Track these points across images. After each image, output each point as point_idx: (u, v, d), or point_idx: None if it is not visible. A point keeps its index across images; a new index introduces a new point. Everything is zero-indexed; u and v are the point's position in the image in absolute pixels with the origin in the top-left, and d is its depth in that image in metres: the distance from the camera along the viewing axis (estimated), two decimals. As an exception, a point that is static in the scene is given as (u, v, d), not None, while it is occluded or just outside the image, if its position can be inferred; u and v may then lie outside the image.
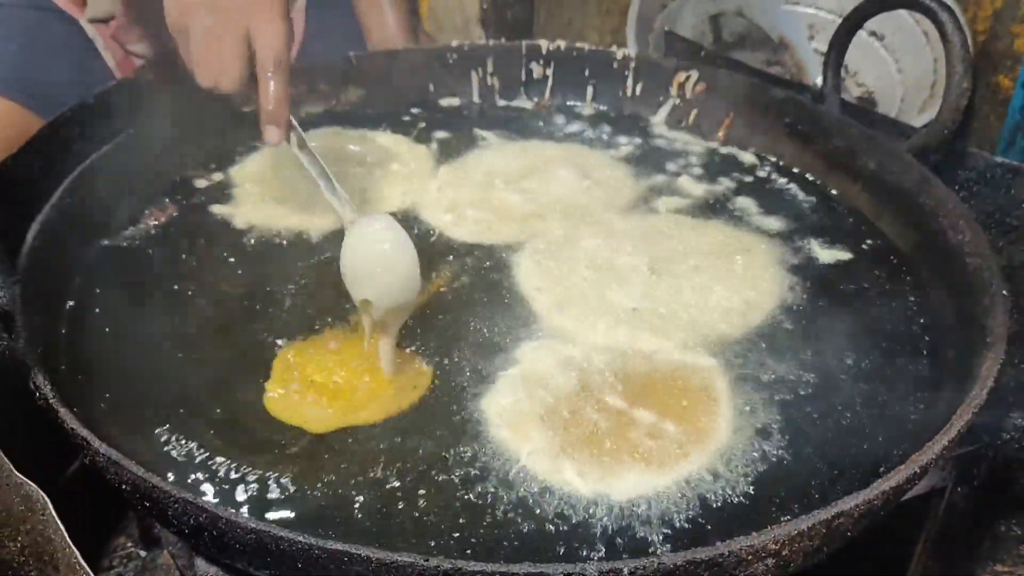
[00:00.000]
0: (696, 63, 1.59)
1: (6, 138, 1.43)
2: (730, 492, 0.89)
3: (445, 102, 1.64)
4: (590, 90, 1.64)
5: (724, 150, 1.52)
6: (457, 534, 0.84)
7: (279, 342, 1.06)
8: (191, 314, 1.12)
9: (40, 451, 0.90)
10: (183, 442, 0.94)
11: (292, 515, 0.86)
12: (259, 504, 0.87)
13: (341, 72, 1.59)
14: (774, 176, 1.44)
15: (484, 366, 1.04)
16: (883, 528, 0.89)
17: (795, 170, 1.45)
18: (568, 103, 1.65)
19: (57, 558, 0.81)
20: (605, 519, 0.86)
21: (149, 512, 0.82)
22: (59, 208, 1.14)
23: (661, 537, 0.84)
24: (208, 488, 0.88)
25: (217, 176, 1.40)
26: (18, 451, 0.85)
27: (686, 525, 0.86)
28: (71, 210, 1.16)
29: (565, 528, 0.85)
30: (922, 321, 1.13)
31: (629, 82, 1.62)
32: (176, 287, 1.16)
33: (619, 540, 0.84)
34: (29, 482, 0.81)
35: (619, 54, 1.61)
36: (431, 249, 1.23)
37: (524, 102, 1.65)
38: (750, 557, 0.72)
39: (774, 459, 0.93)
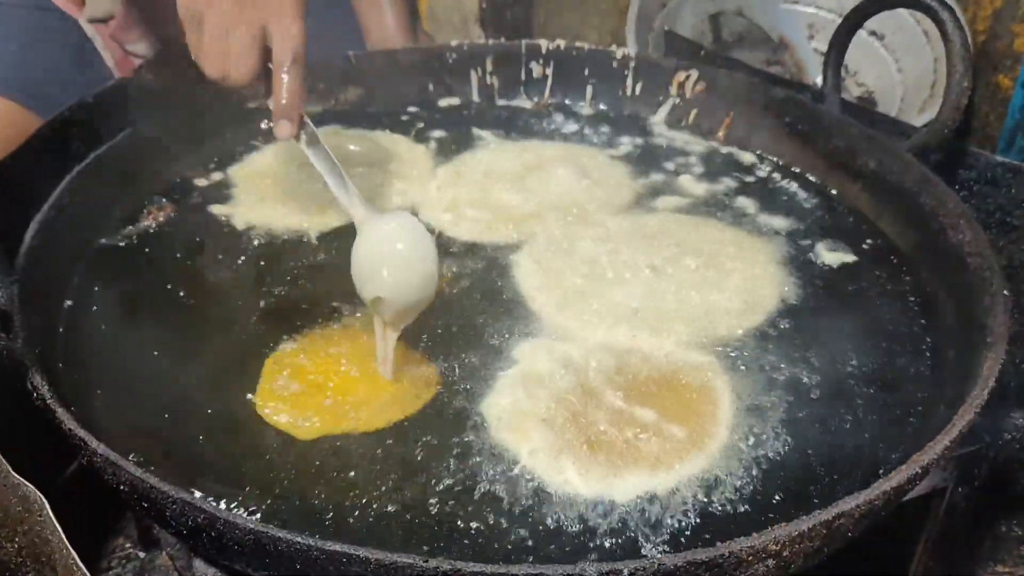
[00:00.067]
0: (696, 62, 1.58)
1: (5, 137, 1.43)
2: (730, 492, 0.89)
3: (444, 102, 1.64)
4: (590, 90, 1.64)
5: (724, 150, 1.51)
6: (456, 534, 0.84)
7: (278, 343, 1.06)
8: (189, 314, 1.11)
9: (38, 451, 0.89)
10: (181, 443, 0.93)
11: (287, 518, 0.85)
12: (256, 506, 0.87)
13: (340, 71, 1.59)
14: (774, 176, 1.44)
15: (483, 366, 1.03)
16: (884, 528, 0.89)
17: (795, 170, 1.45)
18: (568, 103, 1.65)
19: (54, 559, 0.81)
20: (605, 519, 0.86)
21: (147, 513, 0.82)
22: (58, 208, 1.14)
23: (661, 538, 0.84)
24: (204, 490, 0.88)
25: (216, 176, 1.39)
26: (16, 451, 0.85)
27: (686, 525, 0.85)
28: (70, 210, 1.16)
29: (565, 528, 0.85)
30: (922, 321, 1.12)
31: (629, 81, 1.62)
32: (174, 287, 1.15)
33: (619, 540, 0.84)
34: (26, 483, 0.81)
35: (619, 53, 1.61)
36: (430, 249, 1.23)
37: (524, 102, 1.65)
38: (750, 558, 0.71)
39: (774, 459, 0.93)
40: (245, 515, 0.84)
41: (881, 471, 0.88)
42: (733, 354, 1.06)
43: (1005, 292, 1.00)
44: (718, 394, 1.00)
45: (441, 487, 0.89)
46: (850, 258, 1.24)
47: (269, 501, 0.87)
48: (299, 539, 0.71)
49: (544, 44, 1.63)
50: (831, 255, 1.25)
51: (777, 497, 0.89)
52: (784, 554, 0.73)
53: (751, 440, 0.95)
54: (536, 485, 0.89)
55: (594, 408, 0.96)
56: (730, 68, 1.58)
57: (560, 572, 0.69)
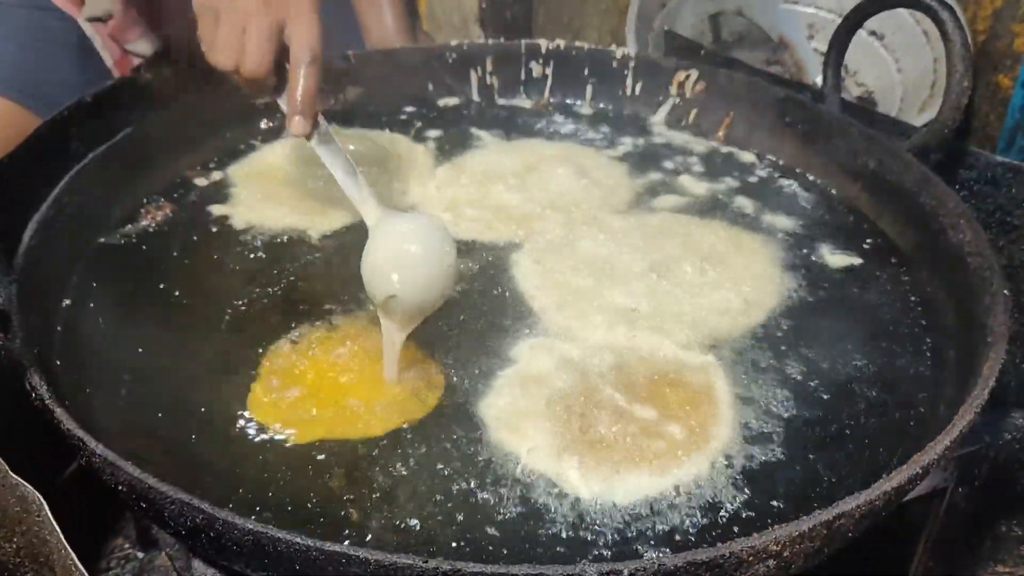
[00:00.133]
0: (696, 62, 1.58)
1: (3, 137, 1.43)
2: (730, 493, 0.89)
3: (444, 101, 1.64)
4: (589, 89, 1.63)
5: (724, 149, 1.51)
6: (455, 535, 0.84)
7: (277, 344, 1.06)
8: (188, 314, 1.11)
9: (37, 452, 0.89)
10: (179, 443, 0.93)
11: (284, 520, 0.85)
12: (253, 508, 0.86)
13: (340, 71, 1.59)
14: (774, 175, 1.44)
15: (483, 365, 1.03)
16: (884, 528, 0.89)
17: (795, 169, 1.45)
18: (567, 102, 1.64)
19: (53, 559, 0.81)
20: (605, 519, 0.85)
21: (146, 513, 0.82)
22: (56, 207, 1.14)
23: (661, 538, 0.84)
24: (203, 490, 0.88)
25: (216, 175, 1.39)
26: (14, 452, 0.84)
27: (686, 525, 0.85)
28: (68, 209, 1.16)
29: (564, 529, 0.85)
30: (923, 321, 1.12)
31: (628, 81, 1.61)
32: (173, 287, 1.15)
33: (619, 541, 0.84)
34: (24, 483, 0.81)
35: (618, 53, 1.61)
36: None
37: (523, 101, 1.65)
38: (751, 558, 0.71)
39: (774, 459, 0.93)
40: (243, 516, 0.83)
41: (881, 471, 0.88)
42: (733, 354, 1.06)
43: (1005, 292, 1.00)
44: (718, 394, 1.00)
45: (439, 488, 0.88)
46: (850, 258, 1.24)
47: (266, 503, 0.87)
48: (298, 539, 0.71)
49: (544, 44, 1.63)
50: (831, 255, 1.25)
51: (777, 497, 0.89)
52: (784, 554, 0.73)
53: (751, 440, 0.94)
54: (534, 485, 0.89)
55: (594, 408, 0.96)
56: (730, 68, 1.57)
57: (560, 572, 0.69)
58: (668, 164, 1.46)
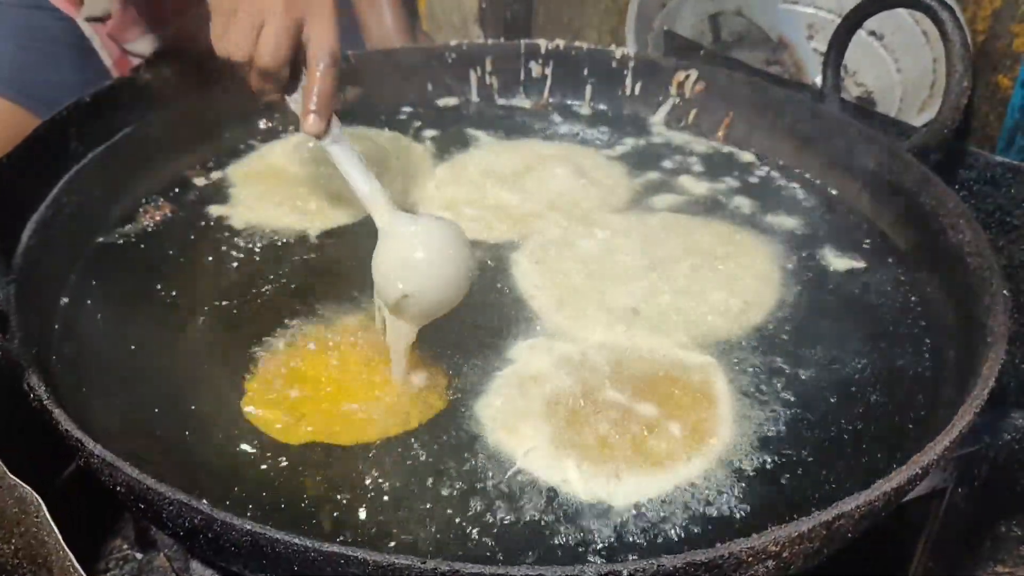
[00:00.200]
0: (695, 62, 1.58)
1: (2, 138, 1.43)
2: (729, 493, 0.88)
3: (443, 101, 1.64)
4: (589, 89, 1.63)
5: (723, 149, 1.51)
6: (453, 536, 0.84)
7: (276, 344, 1.06)
8: (187, 314, 1.11)
9: (36, 452, 0.89)
10: (178, 443, 0.93)
11: (281, 521, 0.85)
12: (251, 509, 0.86)
13: (339, 71, 1.58)
14: (773, 175, 1.44)
15: (481, 365, 1.03)
16: (884, 529, 0.89)
17: (795, 170, 1.44)
18: (567, 102, 1.64)
19: (51, 560, 0.81)
20: (603, 520, 0.85)
21: (144, 514, 0.82)
22: (55, 207, 1.14)
23: (660, 538, 0.84)
24: (202, 491, 0.88)
25: (215, 175, 1.39)
26: (13, 453, 0.84)
27: (685, 526, 0.85)
28: (67, 209, 1.15)
29: (563, 530, 0.84)
30: (922, 322, 1.12)
31: (628, 81, 1.61)
32: (172, 287, 1.15)
33: (617, 541, 0.83)
34: (22, 484, 0.81)
35: (618, 53, 1.61)
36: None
37: (523, 101, 1.65)
38: (750, 559, 0.71)
39: (774, 460, 0.92)
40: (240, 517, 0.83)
41: (881, 471, 0.88)
42: (732, 354, 1.06)
43: (1005, 292, 1.00)
44: (717, 394, 0.99)
45: (436, 488, 0.88)
46: (850, 258, 1.24)
47: (263, 503, 0.86)
48: (297, 540, 0.70)
49: (543, 44, 1.63)
50: (830, 255, 1.25)
51: (777, 498, 0.88)
52: (784, 555, 0.73)
53: (750, 440, 0.94)
54: (533, 486, 0.88)
55: (592, 408, 0.96)
56: (730, 68, 1.57)
57: (559, 573, 0.69)
58: (668, 164, 1.46)
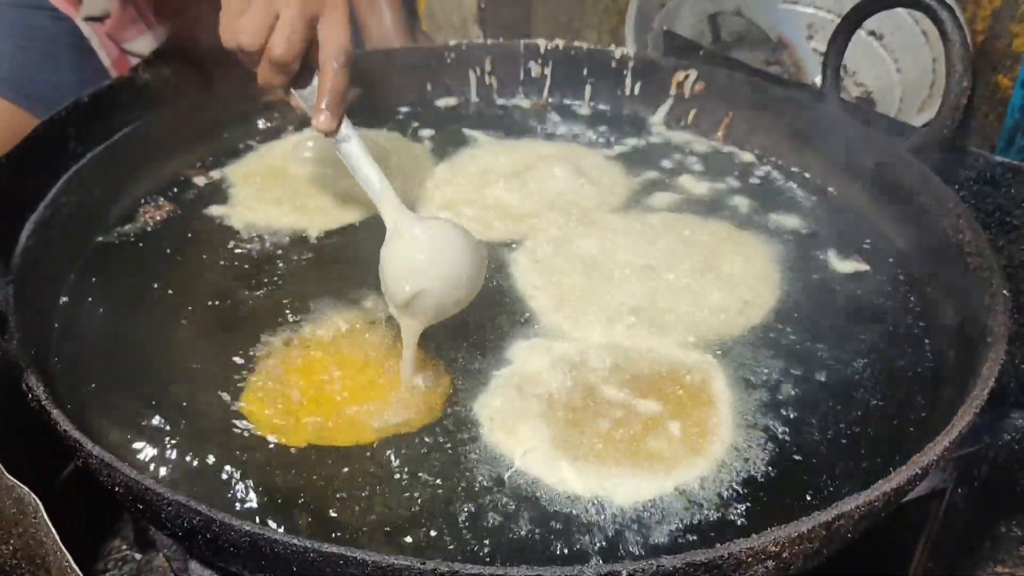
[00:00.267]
0: (695, 62, 1.58)
1: (1, 138, 1.42)
2: (729, 493, 0.88)
3: (442, 101, 1.64)
4: (588, 89, 1.63)
5: (723, 149, 1.51)
6: (452, 537, 0.84)
7: (275, 344, 1.05)
8: (186, 314, 1.11)
9: (34, 453, 0.89)
10: (176, 444, 0.93)
11: (280, 522, 0.85)
12: (250, 509, 0.86)
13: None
14: (773, 175, 1.44)
15: (480, 365, 1.03)
16: (884, 529, 0.88)
17: (794, 169, 1.44)
18: (566, 102, 1.64)
19: (49, 561, 0.81)
20: (602, 521, 0.85)
21: (143, 515, 0.82)
22: (54, 207, 1.14)
23: (659, 538, 0.84)
24: (201, 491, 0.88)
25: (214, 174, 1.39)
26: (11, 453, 0.84)
27: (684, 526, 0.85)
28: (66, 209, 1.15)
29: (562, 530, 0.84)
30: (922, 322, 1.12)
31: (628, 81, 1.61)
32: (171, 286, 1.15)
33: (617, 542, 0.83)
34: (20, 484, 0.81)
35: (617, 53, 1.61)
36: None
37: (522, 101, 1.65)
38: (750, 559, 0.71)
39: (773, 460, 0.92)
40: (239, 517, 0.83)
41: (881, 472, 0.88)
42: (732, 353, 1.06)
43: (1005, 292, 1.00)
44: (716, 394, 0.99)
45: (434, 490, 0.88)
46: (849, 258, 1.24)
47: (261, 503, 0.86)
48: (295, 541, 0.70)
49: (543, 44, 1.63)
50: (830, 255, 1.25)
51: (776, 498, 0.88)
52: (784, 555, 0.73)
53: (750, 440, 0.94)
54: (531, 486, 0.88)
55: (591, 408, 0.96)
56: (729, 68, 1.57)
57: (558, 574, 0.69)
58: (667, 164, 1.46)
